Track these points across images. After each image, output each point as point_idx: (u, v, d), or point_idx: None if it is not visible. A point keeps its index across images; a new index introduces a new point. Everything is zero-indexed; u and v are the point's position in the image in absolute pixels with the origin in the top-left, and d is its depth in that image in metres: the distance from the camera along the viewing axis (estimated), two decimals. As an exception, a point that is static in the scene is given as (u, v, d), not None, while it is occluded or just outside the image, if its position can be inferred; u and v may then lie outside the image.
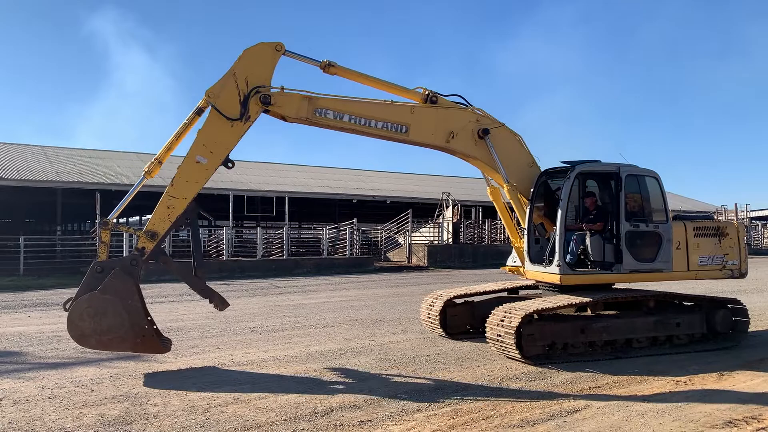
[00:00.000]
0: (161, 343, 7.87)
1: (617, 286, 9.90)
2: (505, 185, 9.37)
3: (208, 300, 8.21)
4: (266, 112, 8.15)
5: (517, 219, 10.01)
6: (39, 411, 6.33)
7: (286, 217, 33.37)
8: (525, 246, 9.54)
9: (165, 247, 8.84)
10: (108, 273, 7.41)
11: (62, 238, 29.05)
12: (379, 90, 9.14)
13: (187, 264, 8.66)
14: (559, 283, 8.96)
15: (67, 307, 7.42)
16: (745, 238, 10.34)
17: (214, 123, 7.83)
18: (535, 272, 9.50)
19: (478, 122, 9.34)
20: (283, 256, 27.87)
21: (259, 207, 34.88)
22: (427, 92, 9.10)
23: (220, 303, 8.15)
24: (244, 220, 41.25)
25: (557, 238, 8.96)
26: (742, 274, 10.04)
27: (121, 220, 45.58)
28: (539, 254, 9.48)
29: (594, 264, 9.20)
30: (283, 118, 8.37)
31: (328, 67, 8.68)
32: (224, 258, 26.12)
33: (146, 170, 8.09)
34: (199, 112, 7.99)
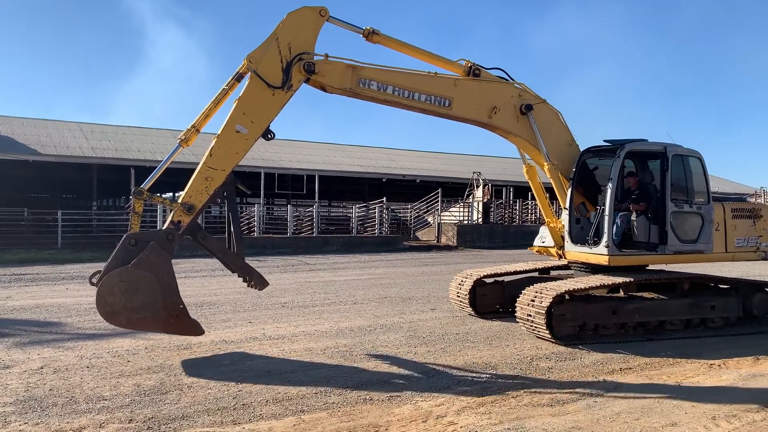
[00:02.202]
0: (196, 324, 7.30)
1: (656, 267, 9.74)
2: (546, 164, 9.17)
3: (243, 279, 7.82)
4: (306, 81, 7.75)
5: (551, 199, 9.90)
6: (78, 379, 6.53)
7: (317, 195, 33.55)
8: (566, 226, 9.40)
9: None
10: (141, 246, 6.85)
11: (98, 213, 29.72)
12: (420, 62, 8.79)
13: (224, 241, 8.15)
14: (607, 263, 8.79)
15: (95, 281, 6.89)
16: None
17: (254, 90, 7.38)
18: (578, 253, 9.34)
19: (521, 97, 9.08)
20: (313, 233, 28.07)
21: (290, 185, 35.10)
22: (470, 65, 8.76)
23: (260, 282, 7.73)
24: (275, 198, 41.56)
25: (606, 218, 8.80)
26: None
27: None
28: (580, 235, 9.35)
29: (639, 245, 9.07)
30: (323, 89, 7.99)
31: (371, 35, 8.26)
32: (256, 234, 26.43)
33: (182, 138, 7.64)
34: (239, 78, 7.55)
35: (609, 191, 8.82)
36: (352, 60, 7.91)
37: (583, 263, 9.53)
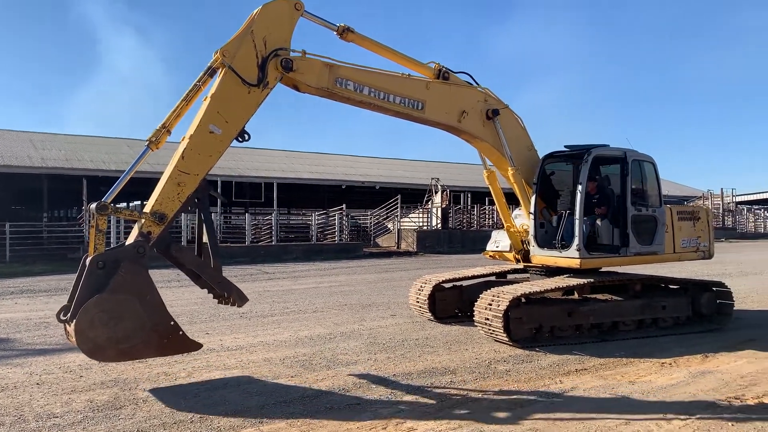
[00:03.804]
0: (191, 339, 6.61)
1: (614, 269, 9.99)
2: (510, 169, 9.28)
3: (216, 296, 7.08)
4: (280, 79, 7.27)
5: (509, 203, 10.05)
6: (27, 397, 6.32)
7: (275, 203, 33.29)
8: (532, 231, 9.54)
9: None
10: (111, 268, 6.02)
11: (49, 225, 28.84)
12: (393, 63, 8.66)
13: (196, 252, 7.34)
14: (579, 266, 8.94)
15: (63, 317, 6.04)
16: (713, 222, 10.64)
17: (228, 87, 6.80)
18: (545, 257, 9.45)
19: (486, 102, 9.15)
20: (272, 242, 27.83)
21: (248, 193, 34.74)
22: (439, 68, 8.71)
23: (239, 298, 6.95)
24: (232, 206, 41.06)
25: (577, 221, 8.97)
26: (711, 255, 10.37)
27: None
28: (545, 239, 9.52)
29: (603, 247, 9.28)
30: (296, 87, 7.55)
31: (345, 32, 7.96)
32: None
33: (152, 140, 6.86)
34: (212, 73, 6.90)
35: (579, 195, 9.00)
36: (329, 58, 7.61)
37: (549, 267, 9.67)
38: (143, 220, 6.38)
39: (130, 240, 6.38)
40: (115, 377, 7.01)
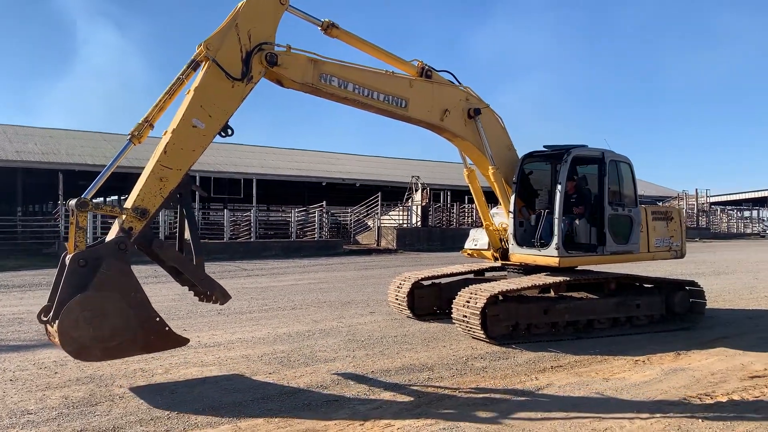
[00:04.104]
0: (177, 334, 6.50)
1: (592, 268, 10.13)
2: (490, 168, 9.35)
3: (197, 294, 7.03)
4: (264, 73, 7.21)
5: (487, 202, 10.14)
6: (0, 393, 6.24)
7: (254, 199, 33.15)
8: (511, 229, 9.63)
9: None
10: (93, 266, 5.87)
11: (23, 219, 28.39)
12: (376, 60, 8.65)
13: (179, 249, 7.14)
14: (557, 265, 9.06)
15: (44, 317, 5.94)
16: (685, 222, 10.90)
17: (212, 81, 6.70)
18: (524, 255, 9.55)
19: (468, 101, 9.21)
20: (250, 238, 27.69)
21: (227, 189, 34.52)
22: (422, 66, 8.75)
23: (222, 296, 6.86)
24: (210, 202, 40.78)
25: (556, 220, 9.07)
26: (683, 255, 10.60)
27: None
28: (524, 237, 9.61)
29: (580, 246, 9.40)
30: (280, 83, 7.49)
31: (330, 28, 7.94)
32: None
33: (134, 134, 6.70)
34: (195, 66, 6.82)
35: (558, 195, 9.11)
36: (314, 53, 7.55)
37: (528, 265, 9.77)
38: (124, 216, 6.24)
39: (111, 236, 6.25)
40: (90, 374, 6.95)
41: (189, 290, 7.05)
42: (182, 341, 6.52)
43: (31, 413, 5.65)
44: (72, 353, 5.84)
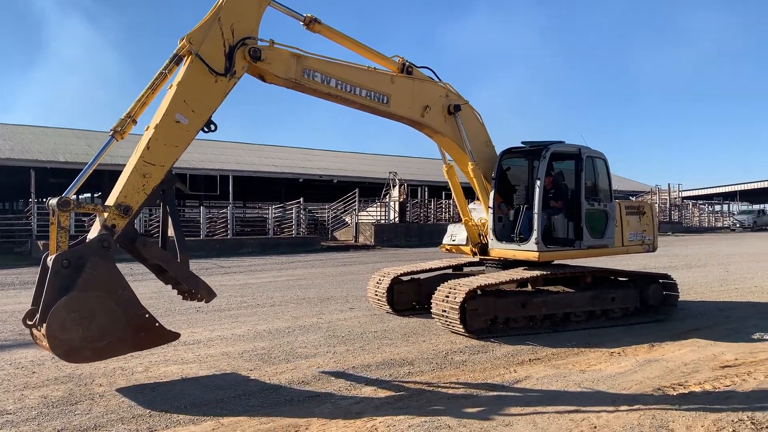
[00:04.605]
0: (167, 330, 6.47)
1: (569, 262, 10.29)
2: (470, 163, 9.44)
3: (180, 293, 6.96)
4: (247, 68, 7.17)
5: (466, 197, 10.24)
6: (-23, 394, 6.17)
7: (231, 196, 32.93)
8: (491, 225, 9.72)
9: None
10: (77, 266, 5.76)
11: (-6, 218, 27.85)
12: (358, 55, 8.67)
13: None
14: (537, 259, 9.18)
15: (31, 321, 5.81)
16: (657, 217, 11.18)
17: (195, 76, 6.63)
18: (503, 250, 9.67)
19: (448, 97, 9.28)
20: (227, 235, 27.53)
21: (203, 186, 34.25)
22: (403, 62, 8.80)
23: (207, 294, 6.79)
24: (186, 199, 40.43)
25: (536, 216, 9.18)
26: (655, 248, 10.86)
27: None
28: (503, 232, 9.72)
29: (558, 241, 9.55)
30: (262, 78, 7.46)
31: (312, 23, 7.94)
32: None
33: (117, 130, 6.55)
34: (178, 60, 6.72)
35: (537, 191, 9.23)
36: (297, 48, 7.54)
37: (507, 259, 9.87)
38: (106, 214, 6.14)
39: (93, 234, 6.15)
40: (69, 372, 6.89)
41: (172, 288, 6.97)
42: (173, 336, 6.47)
43: (10, 413, 5.60)
44: (62, 356, 5.76)
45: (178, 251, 6.72)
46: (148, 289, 12.80)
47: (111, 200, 6.27)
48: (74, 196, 6.07)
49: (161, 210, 6.95)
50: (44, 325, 5.53)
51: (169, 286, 6.97)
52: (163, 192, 6.67)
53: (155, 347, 6.75)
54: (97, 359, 6.15)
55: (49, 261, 5.83)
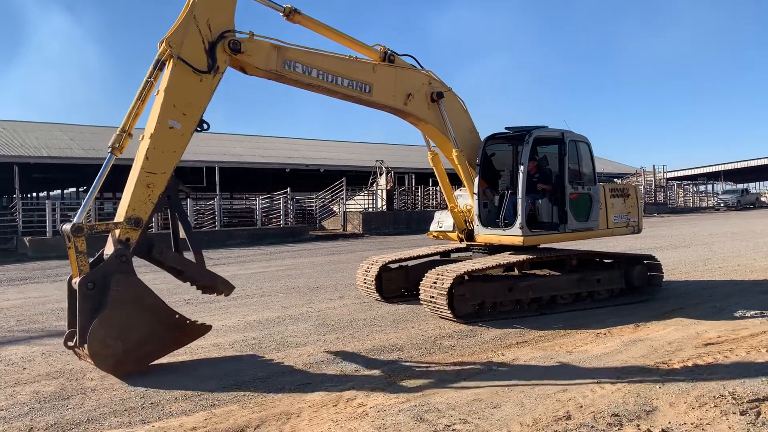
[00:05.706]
0: (198, 324, 6.94)
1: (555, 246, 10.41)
2: (454, 150, 9.50)
3: (201, 290, 7.31)
4: (228, 61, 7.19)
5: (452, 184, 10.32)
6: (-32, 391, 6.18)
7: (217, 187, 32.81)
8: (476, 210, 9.81)
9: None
10: (102, 285, 6.12)
11: (-22, 215, 27.58)
12: (339, 45, 8.65)
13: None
14: (522, 244, 9.29)
15: (71, 343, 6.31)
16: (641, 199, 11.36)
17: (180, 78, 6.66)
18: (489, 235, 9.78)
19: (431, 85, 9.30)
20: (215, 227, 27.47)
21: (189, 177, 34.06)
22: (385, 50, 8.80)
23: (226, 287, 7.26)
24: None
25: (520, 200, 9.27)
26: (640, 230, 11.07)
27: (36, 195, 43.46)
28: (488, 218, 9.80)
29: (543, 225, 9.65)
30: (243, 70, 7.47)
31: (292, 13, 7.90)
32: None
33: (115, 146, 6.70)
34: (162, 66, 6.72)
35: (521, 176, 9.31)
36: (277, 40, 7.53)
37: (492, 244, 9.98)
38: (118, 231, 6.41)
39: (109, 250, 6.42)
40: (60, 368, 6.91)
41: (191, 285, 7.27)
42: (205, 329, 6.98)
43: (2, 409, 5.62)
44: (110, 371, 6.34)
45: (192, 251, 7.07)
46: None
47: (120, 215, 6.52)
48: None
49: (170, 214, 7.21)
50: (85, 345, 6.02)
51: (188, 283, 7.27)
52: (169, 198, 6.92)
53: (197, 339, 7.17)
54: (144, 366, 6.56)
55: (74, 283, 6.20)
